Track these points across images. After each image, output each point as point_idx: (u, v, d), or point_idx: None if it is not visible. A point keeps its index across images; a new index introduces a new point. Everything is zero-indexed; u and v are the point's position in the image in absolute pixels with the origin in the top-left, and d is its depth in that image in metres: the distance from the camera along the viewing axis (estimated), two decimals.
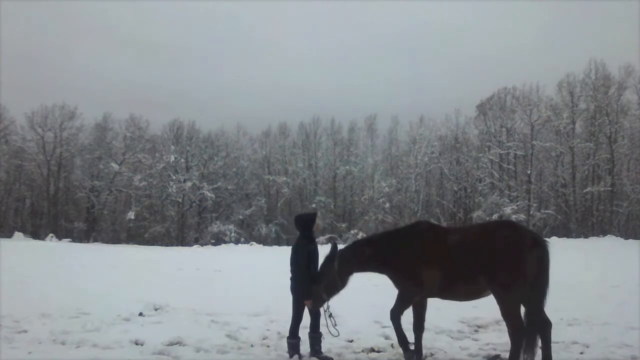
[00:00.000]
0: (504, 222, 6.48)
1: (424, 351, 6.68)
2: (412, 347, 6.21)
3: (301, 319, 6.39)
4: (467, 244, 5.81)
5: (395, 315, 6.19)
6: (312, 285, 6.24)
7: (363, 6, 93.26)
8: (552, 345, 6.87)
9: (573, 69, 48.11)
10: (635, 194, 41.72)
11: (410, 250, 6.08)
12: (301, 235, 6.57)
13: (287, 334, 6.44)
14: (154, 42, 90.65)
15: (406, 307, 6.22)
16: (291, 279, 6.48)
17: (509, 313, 5.58)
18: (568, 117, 43.98)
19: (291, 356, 6.29)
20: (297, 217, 6.83)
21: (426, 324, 7.73)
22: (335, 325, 6.39)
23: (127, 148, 50.27)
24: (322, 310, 6.39)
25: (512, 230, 5.81)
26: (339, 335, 6.44)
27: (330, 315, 6.36)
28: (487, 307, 9.36)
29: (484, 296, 5.92)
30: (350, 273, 6.32)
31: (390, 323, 8.16)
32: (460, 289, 5.90)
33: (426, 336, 7.27)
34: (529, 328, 5.60)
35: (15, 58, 69.95)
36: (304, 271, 6.32)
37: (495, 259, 5.55)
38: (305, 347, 6.59)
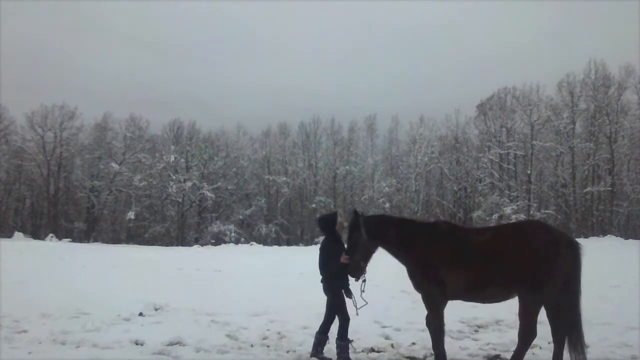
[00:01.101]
0: (538, 224, 6.13)
1: (424, 351, 6.69)
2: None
3: (348, 318, 6.31)
4: (499, 245, 5.64)
5: (436, 331, 5.92)
6: (351, 257, 6.14)
7: (363, 6, 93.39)
8: (553, 345, 6.92)
9: (573, 69, 48.21)
10: (635, 194, 41.72)
11: (430, 252, 5.90)
12: (326, 237, 6.58)
13: (333, 336, 6.32)
14: (154, 42, 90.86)
15: (440, 315, 5.92)
16: (322, 280, 6.44)
17: (527, 313, 5.52)
18: (568, 117, 43.97)
19: (340, 358, 6.20)
20: (319, 219, 6.83)
21: (425, 324, 7.72)
22: (363, 291, 6.31)
23: (127, 148, 50.28)
24: (360, 280, 6.27)
25: (548, 233, 5.68)
26: (367, 304, 6.36)
27: (364, 281, 6.29)
28: (486, 307, 9.37)
29: (510, 298, 5.79)
30: (377, 242, 6.23)
31: (390, 323, 8.20)
32: (488, 291, 5.76)
33: (426, 336, 7.26)
34: (570, 328, 5.56)
35: (15, 58, 70.02)
36: (337, 271, 6.29)
37: (532, 262, 5.43)
38: (305, 347, 6.58)
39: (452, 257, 5.78)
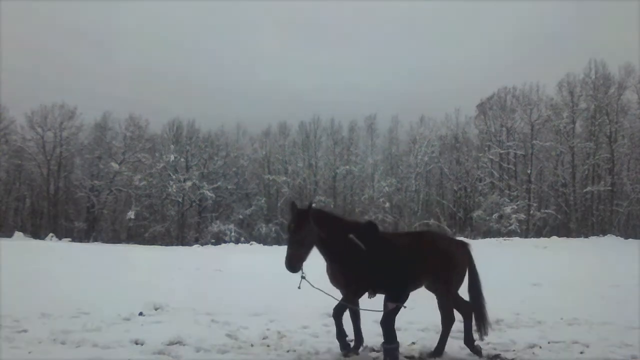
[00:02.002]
0: (435, 233, 7.55)
1: (424, 351, 6.70)
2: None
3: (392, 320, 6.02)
4: (414, 248, 6.36)
5: (338, 311, 6.34)
6: (293, 250, 5.92)
7: (363, 6, 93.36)
8: (553, 344, 7.07)
9: (573, 68, 48.18)
10: (635, 193, 41.74)
11: (361, 251, 6.03)
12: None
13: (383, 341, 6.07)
14: (154, 42, 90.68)
15: (355, 302, 6.39)
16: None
17: (443, 305, 6.63)
18: (568, 116, 44.02)
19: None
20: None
21: (426, 324, 7.74)
22: (299, 288, 6.14)
23: (127, 148, 50.30)
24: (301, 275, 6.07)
25: (446, 239, 7.04)
26: (299, 289, 6.14)
27: (303, 277, 6.09)
28: (486, 307, 9.38)
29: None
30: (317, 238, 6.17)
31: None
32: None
33: (426, 336, 7.28)
34: (478, 311, 6.71)
35: (15, 58, 69.92)
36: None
37: (438, 263, 6.40)
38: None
39: (380, 257, 6.02)
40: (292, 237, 6.03)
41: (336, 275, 6.35)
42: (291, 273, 5.96)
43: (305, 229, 6.00)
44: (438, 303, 6.66)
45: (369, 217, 45.99)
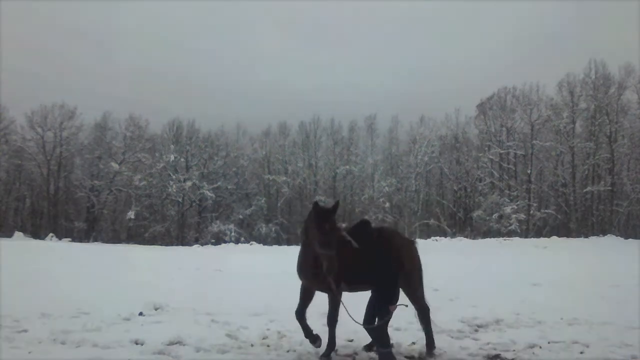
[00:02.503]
0: (392, 230, 7.62)
1: (424, 350, 6.70)
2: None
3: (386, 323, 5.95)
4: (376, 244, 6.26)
5: (332, 319, 6.39)
6: (330, 251, 5.70)
7: (363, 6, 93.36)
8: (553, 344, 7.05)
9: (573, 68, 48.14)
10: (635, 193, 41.73)
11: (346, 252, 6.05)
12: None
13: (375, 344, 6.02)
14: (154, 42, 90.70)
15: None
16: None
17: (416, 298, 6.76)
18: (568, 116, 43.98)
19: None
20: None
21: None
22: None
23: (127, 148, 50.25)
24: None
25: (401, 237, 7.18)
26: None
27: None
28: (486, 307, 9.39)
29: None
30: None
31: (390, 322, 8.18)
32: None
33: None
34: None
35: (15, 58, 69.91)
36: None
37: (404, 260, 6.42)
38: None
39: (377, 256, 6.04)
40: (328, 238, 5.71)
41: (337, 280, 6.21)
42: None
43: (337, 228, 5.92)
44: (409, 299, 6.70)
45: (369, 217, 45.99)
